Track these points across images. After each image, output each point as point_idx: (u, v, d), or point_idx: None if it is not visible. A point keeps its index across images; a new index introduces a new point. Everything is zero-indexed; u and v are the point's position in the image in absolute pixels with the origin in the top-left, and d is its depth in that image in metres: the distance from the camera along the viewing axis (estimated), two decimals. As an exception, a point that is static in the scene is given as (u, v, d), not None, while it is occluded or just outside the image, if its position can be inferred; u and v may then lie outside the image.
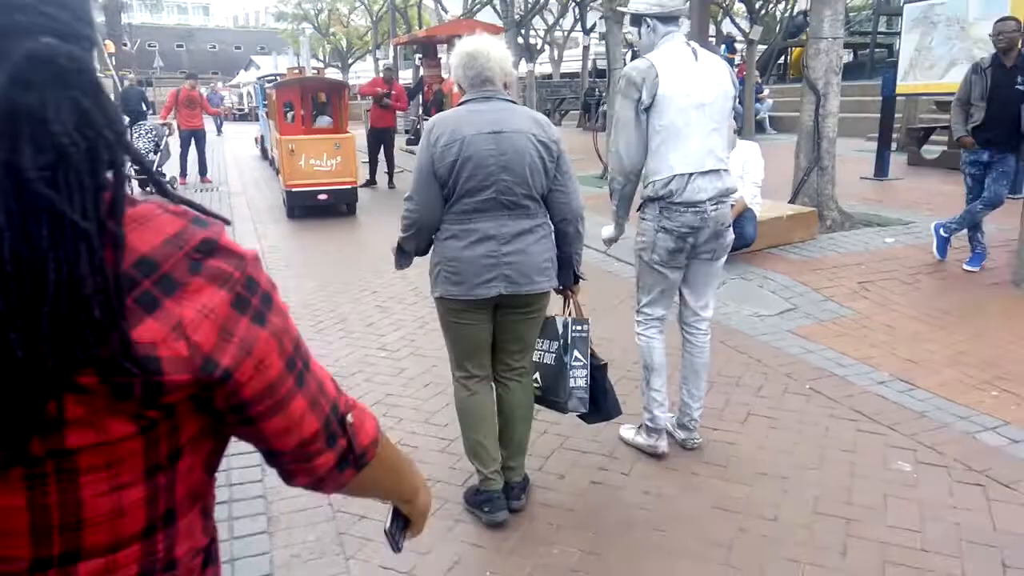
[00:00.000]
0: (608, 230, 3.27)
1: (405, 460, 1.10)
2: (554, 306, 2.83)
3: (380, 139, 11.31)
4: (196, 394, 0.77)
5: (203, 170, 12.77)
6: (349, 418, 0.91)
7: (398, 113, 12.52)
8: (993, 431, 3.39)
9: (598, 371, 2.87)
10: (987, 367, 4.06)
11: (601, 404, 2.89)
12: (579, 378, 2.80)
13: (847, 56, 27.02)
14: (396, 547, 1.13)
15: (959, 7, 8.39)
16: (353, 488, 0.95)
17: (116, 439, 0.74)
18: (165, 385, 0.72)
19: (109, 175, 0.72)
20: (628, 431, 3.31)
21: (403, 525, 1.13)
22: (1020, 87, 5.25)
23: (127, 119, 20.21)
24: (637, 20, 2.99)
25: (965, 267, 5.66)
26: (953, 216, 5.75)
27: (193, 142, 12.55)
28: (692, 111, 2.84)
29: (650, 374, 3.15)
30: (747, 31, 15.32)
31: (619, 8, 3.50)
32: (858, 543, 2.61)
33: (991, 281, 5.46)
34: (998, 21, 5.49)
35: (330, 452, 0.89)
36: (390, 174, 11.61)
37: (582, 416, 2.95)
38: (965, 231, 5.72)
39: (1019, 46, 5.34)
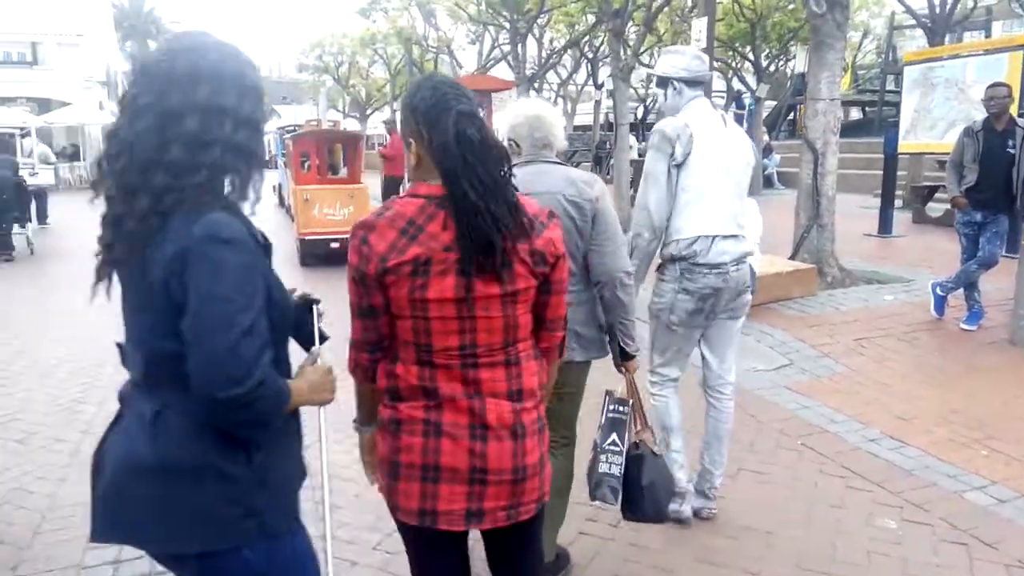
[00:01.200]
0: None
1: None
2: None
3: (392, 186, 12.41)
4: (546, 272, 1.65)
5: None
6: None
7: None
8: (981, 491, 3.44)
9: (635, 462, 2.53)
10: (979, 426, 4.12)
11: (637, 501, 2.53)
12: (613, 464, 2.52)
13: (856, 113, 27.45)
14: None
15: (957, 70, 8.61)
16: (551, 369, 1.84)
17: (528, 287, 1.63)
18: (545, 264, 1.64)
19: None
20: None
21: None
22: (1011, 150, 5.40)
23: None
24: (664, 82, 3.02)
25: (962, 326, 5.73)
26: (950, 275, 5.85)
27: None
28: (720, 174, 2.88)
29: (668, 435, 3.10)
30: (754, 88, 15.66)
31: (647, 71, 3.62)
32: (838, 599, 2.66)
33: (988, 340, 5.52)
34: (990, 87, 5.67)
35: (561, 332, 1.80)
36: None
37: (622, 510, 2.60)
38: (962, 290, 5.81)
39: (1009, 111, 5.50)
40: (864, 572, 2.82)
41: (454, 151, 1.52)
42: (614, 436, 2.55)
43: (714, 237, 2.86)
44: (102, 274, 1.46)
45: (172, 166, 1.35)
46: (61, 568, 2.89)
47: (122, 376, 1.55)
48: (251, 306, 1.32)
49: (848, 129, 23.28)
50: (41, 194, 13.34)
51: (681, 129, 2.83)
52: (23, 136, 18.15)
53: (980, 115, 5.91)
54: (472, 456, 1.61)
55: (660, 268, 3.02)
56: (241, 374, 1.28)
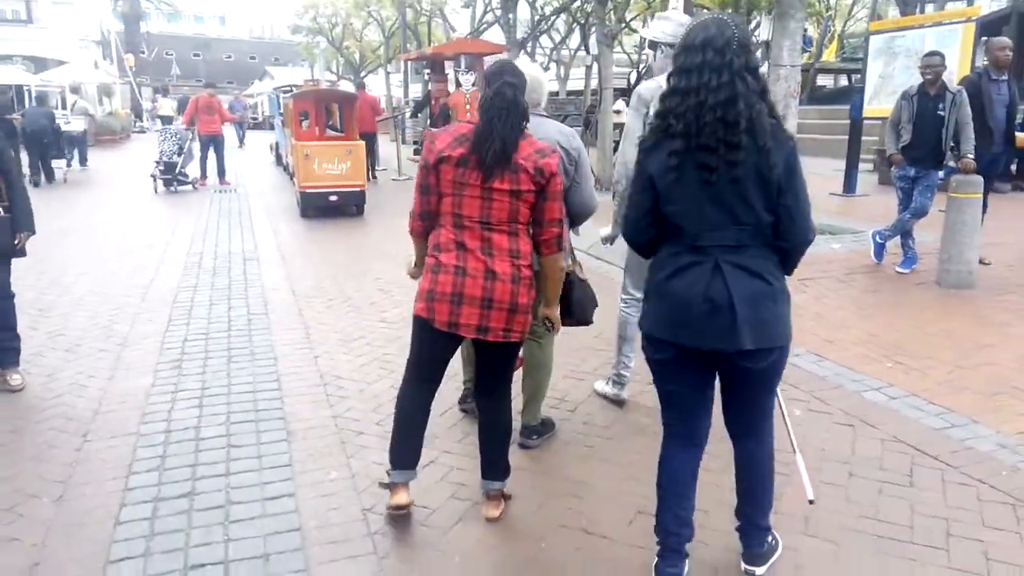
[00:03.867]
0: (607, 229, 3.86)
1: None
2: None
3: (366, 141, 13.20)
4: (543, 183, 2.56)
5: (222, 173, 13.67)
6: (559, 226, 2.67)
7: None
8: (877, 391, 4.15)
9: (568, 286, 3.19)
10: (891, 346, 4.82)
11: (570, 310, 3.26)
12: None
13: (844, 80, 27.91)
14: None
15: (917, 40, 9.21)
16: (548, 264, 2.69)
17: (529, 190, 2.55)
18: (543, 178, 2.55)
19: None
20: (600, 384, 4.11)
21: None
22: (941, 112, 6.04)
23: (160, 123, 21.39)
24: (654, 45, 3.59)
25: (897, 269, 6.44)
26: (887, 224, 6.53)
27: (212, 147, 13.48)
28: None
29: (623, 343, 3.89)
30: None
31: (641, 34, 4.16)
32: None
33: (917, 281, 6.23)
34: (926, 55, 6.30)
35: (556, 229, 2.63)
36: (373, 169, 14.44)
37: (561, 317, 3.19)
38: (899, 238, 6.50)
39: (942, 77, 6.14)
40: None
41: (492, 99, 2.54)
42: None
43: None
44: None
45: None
46: (122, 435, 3.58)
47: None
48: None
49: (834, 96, 23.80)
50: (80, 140, 16.39)
51: (655, 90, 3.20)
52: (73, 91, 21.46)
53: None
54: (484, 290, 2.56)
55: None
56: (814, 232, 2.28)
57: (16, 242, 3.98)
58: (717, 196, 2.13)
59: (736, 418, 2.45)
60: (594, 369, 4.44)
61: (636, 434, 3.62)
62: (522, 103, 2.57)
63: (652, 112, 3.25)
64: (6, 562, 2.62)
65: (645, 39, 3.78)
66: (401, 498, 2.78)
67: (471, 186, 2.54)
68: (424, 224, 2.68)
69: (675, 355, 2.28)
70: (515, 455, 3.30)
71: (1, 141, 3.98)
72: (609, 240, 3.85)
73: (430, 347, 2.75)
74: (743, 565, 2.57)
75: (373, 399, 4.00)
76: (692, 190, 2.14)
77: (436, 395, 2.89)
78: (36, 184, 13.12)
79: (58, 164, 14.07)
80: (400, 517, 2.82)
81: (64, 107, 20.29)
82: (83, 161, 16.34)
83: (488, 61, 20.30)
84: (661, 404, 2.47)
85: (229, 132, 18.28)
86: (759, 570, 2.54)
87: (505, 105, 2.52)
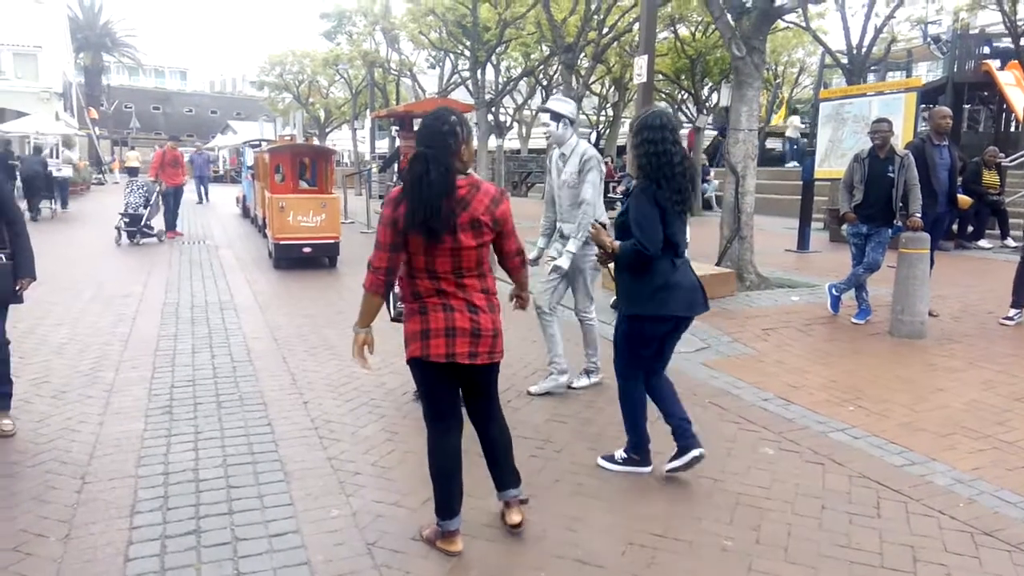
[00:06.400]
0: (565, 261, 4.76)
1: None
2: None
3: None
4: (500, 229, 2.89)
5: (172, 225, 13.71)
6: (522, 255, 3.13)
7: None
8: (842, 431, 4.42)
9: None
10: (851, 391, 5.13)
11: None
12: None
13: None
14: None
15: (863, 107, 9.87)
16: (519, 277, 3.18)
17: (489, 239, 2.88)
18: (499, 225, 2.90)
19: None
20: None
21: None
22: (891, 174, 6.51)
23: (128, 175, 21.90)
24: (557, 117, 4.72)
25: (853, 320, 6.82)
26: (842, 279, 6.94)
27: (173, 199, 13.63)
28: None
29: (587, 345, 5.17)
30: (694, 119, 16.94)
31: (545, 107, 4.95)
32: (716, 487, 3.59)
33: (871, 332, 6.61)
34: (875, 122, 6.81)
35: (518, 257, 3.08)
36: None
37: None
38: (853, 291, 6.90)
39: (890, 142, 6.63)
40: (743, 478, 3.76)
41: (408, 177, 2.78)
42: None
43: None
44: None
45: None
46: (120, 477, 3.64)
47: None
48: None
49: (782, 158, 24.90)
50: (64, 185, 18.54)
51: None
52: (66, 145, 24.69)
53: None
54: (472, 322, 2.85)
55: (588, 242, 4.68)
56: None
57: (17, 288, 4.06)
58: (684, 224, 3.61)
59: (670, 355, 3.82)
60: (574, 413, 4.63)
61: (621, 472, 3.81)
62: (441, 161, 2.71)
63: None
64: (20, 598, 2.68)
65: (549, 110, 4.86)
66: (458, 545, 3.00)
67: (441, 247, 2.75)
68: (387, 280, 2.82)
69: (673, 325, 3.60)
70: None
71: (5, 187, 4.09)
72: (559, 269, 4.82)
73: (436, 383, 2.95)
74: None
75: (365, 441, 4.13)
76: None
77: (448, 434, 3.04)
78: (33, 219, 15.47)
79: (45, 205, 17.03)
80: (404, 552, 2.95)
81: (57, 156, 22.79)
82: (64, 204, 18.42)
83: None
84: (647, 359, 3.68)
85: (190, 186, 18.40)
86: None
87: (416, 177, 2.69)
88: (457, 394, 3.03)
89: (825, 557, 3.04)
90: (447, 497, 2.97)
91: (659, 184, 3.42)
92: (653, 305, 3.49)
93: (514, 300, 3.35)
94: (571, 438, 4.26)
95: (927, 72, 28.40)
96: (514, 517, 3.14)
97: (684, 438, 3.67)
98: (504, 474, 3.13)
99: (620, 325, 3.71)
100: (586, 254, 4.76)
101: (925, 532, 3.25)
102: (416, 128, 2.90)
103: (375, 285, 2.83)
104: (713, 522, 3.32)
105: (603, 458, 3.89)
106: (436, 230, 2.69)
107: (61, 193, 18.16)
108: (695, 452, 3.64)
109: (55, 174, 17.68)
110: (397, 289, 4.30)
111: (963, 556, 3.07)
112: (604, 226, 4.05)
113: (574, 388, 5.09)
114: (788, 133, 24.86)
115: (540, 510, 3.37)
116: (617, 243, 3.53)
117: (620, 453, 3.87)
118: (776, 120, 27.22)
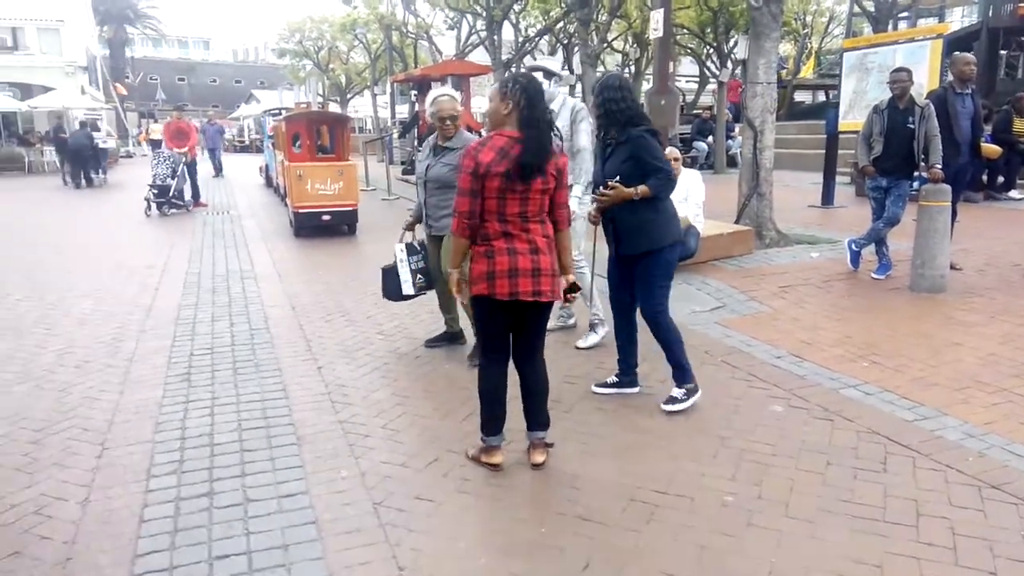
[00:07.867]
0: (575, 204, 4.82)
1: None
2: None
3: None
4: (557, 177, 3.23)
5: (196, 195, 13.86)
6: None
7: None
8: (854, 388, 4.38)
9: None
10: (866, 347, 5.07)
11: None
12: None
13: (822, 96, 28.50)
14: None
15: (888, 56, 9.58)
16: (562, 239, 3.33)
17: (552, 186, 3.22)
18: (559, 174, 3.25)
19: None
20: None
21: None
22: (910, 125, 6.34)
23: (152, 148, 22.74)
24: (550, 75, 4.88)
25: (872, 276, 6.71)
26: (862, 233, 6.82)
27: (186, 170, 13.74)
28: None
29: (585, 299, 5.19)
30: (718, 73, 16.56)
31: (538, 66, 5.06)
32: (722, 444, 3.60)
33: (891, 287, 6.50)
34: (893, 71, 6.61)
35: (566, 208, 3.35)
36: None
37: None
38: (873, 246, 6.78)
39: (910, 92, 6.45)
40: (749, 435, 3.76)
41: (539, 122, 3.16)
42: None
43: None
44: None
45: None
46: (139, 443, 3.75)
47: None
48: None
49: (811, 111, 24.31)
50: (105, 156, 20.66)
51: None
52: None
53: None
54: (533, 262, 3.17)
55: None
56: None
57: None
58: None
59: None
60: (586, 373, 4.65)
61: (627, 431, 3.84)
62: (551, 120, 3.29)
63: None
64: (41, 557, 2.80)
65: (543, 68, 5.06)
66: (498, 458, 3.39)
67: (513, 191, 3.11)
68: (472, 223, 3.15)
69: None
70: (516, 458, 3.53)
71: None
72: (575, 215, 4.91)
73: (495, 319, 3.29)
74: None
75: (376, 404, 4.20)
76: None
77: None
78: (78, 187, 18.52)
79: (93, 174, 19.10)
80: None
81: (98, 130, 24.51)
82: (104, 172, 20.39)
83: (474, 81, 20.59)
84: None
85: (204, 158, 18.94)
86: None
87: (548, 125, 3.20)
88: (510, 333, 3.37)
89: (826, 512, 3.04)
90: (491, 415, 3.36)
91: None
92: (678, 230, 4.06)
93: (568, 291, 3.46)
94: (579, 399, 4.29)
95: (962, 17, 27.38)
96: (537, 457, 3.43)
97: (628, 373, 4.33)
98: (537, 414, 3.44)
99: (654, 265, 3.96)
100: (583, 202, 4.97)
101: (931, 486, 3.24)
102: (526, 88, 3.17)
103: (461, 228, 3.17)
104: (715, 478, 3.33)
105: (665, 403, 4.10)
106: (537, 172, 3.11)
107: (102, 163, 20.00)
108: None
109: (100, 146, 19.80)
110: (403, 275, 5.09)
111: (967, 509, 3.05)
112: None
113: (581, 348, 5.12)
114: None
115: (544, 468, 3.42)
116: (641, 187, 3.81)
117: (678, 392, 4.11)
118: (805, 72, 26.53)
